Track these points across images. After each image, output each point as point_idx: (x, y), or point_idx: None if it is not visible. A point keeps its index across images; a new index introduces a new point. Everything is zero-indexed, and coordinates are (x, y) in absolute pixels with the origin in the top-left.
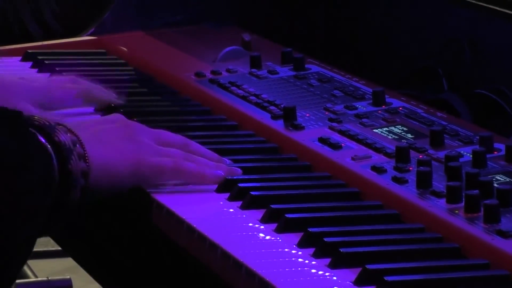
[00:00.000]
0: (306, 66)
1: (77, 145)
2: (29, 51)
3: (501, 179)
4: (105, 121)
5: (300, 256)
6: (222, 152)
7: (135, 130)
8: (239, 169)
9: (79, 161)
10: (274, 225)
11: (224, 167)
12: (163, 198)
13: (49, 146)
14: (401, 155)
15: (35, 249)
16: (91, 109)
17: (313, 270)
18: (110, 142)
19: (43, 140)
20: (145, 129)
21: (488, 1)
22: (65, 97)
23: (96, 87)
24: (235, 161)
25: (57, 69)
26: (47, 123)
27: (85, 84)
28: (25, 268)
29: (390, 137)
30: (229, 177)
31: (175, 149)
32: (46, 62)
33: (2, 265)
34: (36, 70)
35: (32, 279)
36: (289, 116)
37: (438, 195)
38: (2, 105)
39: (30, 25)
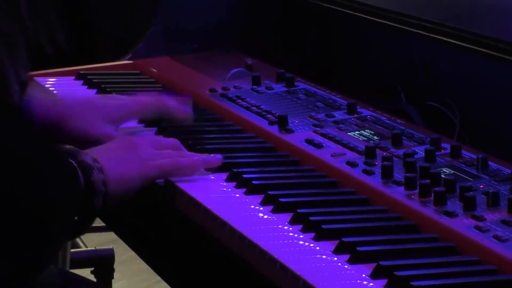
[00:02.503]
0: (296, 83)
1: (96, 162)
2: (81, 72)
3: (447, 171)
4: (113, 142)
5: (291, 231)
6: (229, 150)
7: (136, 143)
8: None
9: (99, 173)
10: (270, 207)
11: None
12: (184, 186)
13: (75, 164)
14: (369, 152)
15: None
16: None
17: (301, 242)
18: (119, 156)
19: (72, 160)
20: (144, 140)
21: (438, 33)
22: (138, 108)
23: (170, 101)
24: (240, 157)
25: (102, 86)
26: (73, 149)
27: (160, 97)
28: (78, 239)
29: (361, 138)
30: (235, 170)
31: (170, 151)
32: (94, 80)
33: (34, 258)
34: (86, 87)
35: (83, 248)
36: (282, 122)
37: (398, 183)
38: (79, 120)
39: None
